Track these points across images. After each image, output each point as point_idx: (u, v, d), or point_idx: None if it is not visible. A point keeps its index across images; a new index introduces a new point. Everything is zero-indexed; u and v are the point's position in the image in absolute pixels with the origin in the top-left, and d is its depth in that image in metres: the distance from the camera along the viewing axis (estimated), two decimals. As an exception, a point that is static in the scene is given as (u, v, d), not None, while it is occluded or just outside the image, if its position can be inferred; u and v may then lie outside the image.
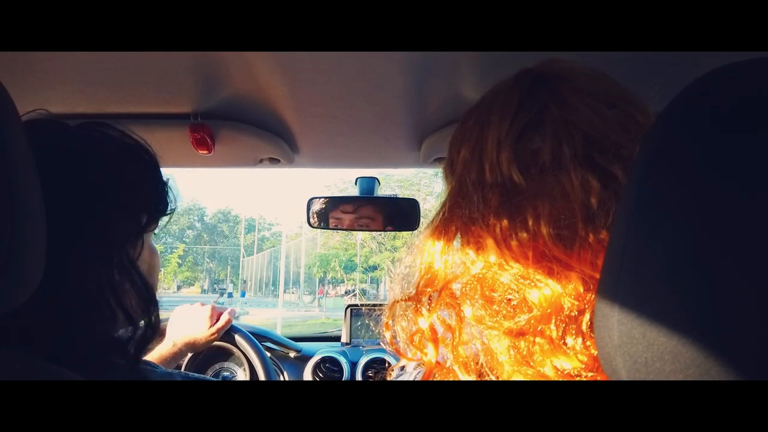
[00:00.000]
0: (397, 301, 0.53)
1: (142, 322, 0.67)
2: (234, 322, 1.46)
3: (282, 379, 1.65)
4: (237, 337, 1.44)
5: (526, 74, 0.53)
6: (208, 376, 1.52)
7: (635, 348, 0.30)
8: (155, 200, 0.71)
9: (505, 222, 0.47)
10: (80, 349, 0.59)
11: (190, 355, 1.44)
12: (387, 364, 1.67)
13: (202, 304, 1.35)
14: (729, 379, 0.27)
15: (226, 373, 1.55)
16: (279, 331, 1.93)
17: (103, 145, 0.68)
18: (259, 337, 1.54)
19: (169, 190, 0.74)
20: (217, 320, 1.35)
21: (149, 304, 0.68)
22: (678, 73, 0.64)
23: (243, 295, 26.92)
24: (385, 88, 0.84)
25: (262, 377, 1.44)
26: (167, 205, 0.73)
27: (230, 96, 0.91)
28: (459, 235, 0.51)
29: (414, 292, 0.52)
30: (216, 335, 1.33)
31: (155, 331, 0.69)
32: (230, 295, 24.19)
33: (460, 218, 0.50)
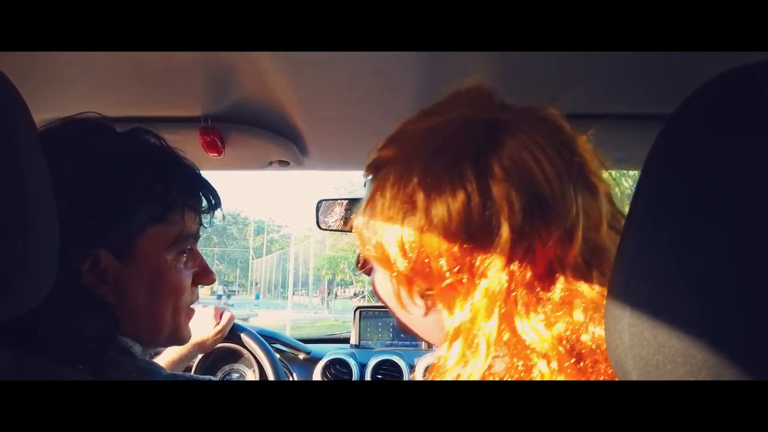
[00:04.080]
0: None
1: None
2: (243, 324, 1.47)
3: (291, 380, 1.65)
4: (246, 339, 1.44)
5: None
6: (218, 377, 1.53)
7: (646, 350, 0.30)
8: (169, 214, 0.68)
9: None
10: (87, 348, 0.59)
11: (200, 356, 1.45)
12: (397, 366, 1.67)
13: (204, 306, 1.36)
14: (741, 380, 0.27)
15: (235, 375, 1.55)
16: (288, 333, 1.94)
17: (142, 153, 0.67)
18: (268, 339, 1.54)
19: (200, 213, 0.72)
20: (221, 319, 1.36)
21: (100, 316, 0.63)
22: (679, 74, 0.64)
23: (257, 297, 26.83)
24: (395, 89, 0.84)
25: (271, 379, 1.45)
26: (166, 203, 0.68)
27: (240, 99, 0.92)
28: None
29: None
30: (221, 334, 1.33)
31: (104, 342, 0.64)
32: (219, 297, 23.55)
33: None
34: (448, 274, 0.47)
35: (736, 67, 0.31)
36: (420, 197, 0.48)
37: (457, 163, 0.47)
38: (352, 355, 1.71)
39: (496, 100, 0.54)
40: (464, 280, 0.47)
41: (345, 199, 1.56)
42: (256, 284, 31.60)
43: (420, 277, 0.50)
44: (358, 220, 0.55)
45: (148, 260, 0.67)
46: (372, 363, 1.67)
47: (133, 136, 0.70)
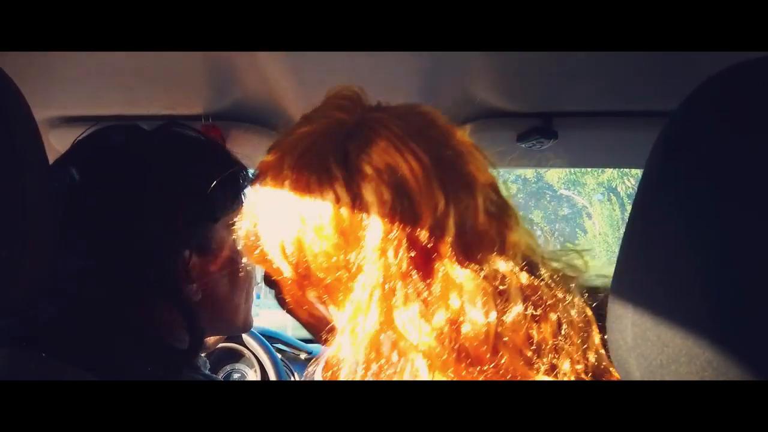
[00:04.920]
0: None
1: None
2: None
3: (293, 380, 1.65)
4: (248, 339, 1.44)
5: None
6: (219, 377, 1.53)
7: (650, 350, 0.30)
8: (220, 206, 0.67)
9: None
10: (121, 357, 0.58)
11: (201, 356, 1.44)
12: None
13: None
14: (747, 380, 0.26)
15: (236, 375, 1.55)
16: (290, 333, 1.94)
17: (177, 148, 0.67)
18: (269, 339, 1.54)
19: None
20: None
21: (191, 322, 0.63)
22: (680, 71, 0.63)
23: (258, 297, 26.85)
24: (395, 89, 0.84)
25: (273, 378, 1.45)
26: (232, 198, 0.68)
27: (241, 97, 0.92)
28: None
29: None
30: None
31: (195, 351, 0.66)
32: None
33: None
34: (324, 274, 0.49)
35: (738, 62, 0.31)
36: (292, 200, 0.49)
37: (324, 164, 0.49)
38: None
39: (366, 102, 0.55)
40: (343, 278, 0.48)
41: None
42: (258, 284, 31.58)
43: (305, 280, 0.52)
44: (242, 230, 0.55)
45: (225, 248, 0.68)
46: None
47: (187, 131, 0.71)
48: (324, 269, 0.49)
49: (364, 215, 0.47)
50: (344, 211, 0.47)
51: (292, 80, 0.81)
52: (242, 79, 0.85)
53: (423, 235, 0.46)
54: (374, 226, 0.46)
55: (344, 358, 0.48)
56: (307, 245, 0.49)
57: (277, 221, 0.51)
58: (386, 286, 0.46)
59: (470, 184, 0.49)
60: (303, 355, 1.75)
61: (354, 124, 0.51)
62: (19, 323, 0.55)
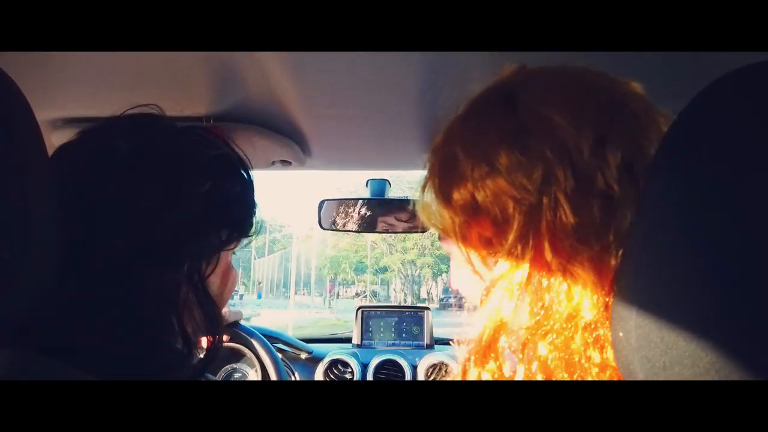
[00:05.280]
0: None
1: (203, 341, 0.65)
2: (245, 324, 1.47)
3: (293, 380, 1.65)
4: (249, 339, 1.44)
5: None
6: (220, 377, 1.53)
7: (653, 351, 0.29)
8: (242, 218, 0.69)
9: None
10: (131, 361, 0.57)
11: (201, 356, 1.45)
12: (399, 366, 1.67)
13: None
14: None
15: (237, 374, 1.55)
16: (290, 333, 1.94)
17: (203, 153, 0.66)
18: (270, 339, 1.54)
19: (256, 210, 0.72)
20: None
21: (214, 323, 0.64)
22: (684, 72, 0.63)
23: (259, 296, 26.99)
24: (396, 89, 0.84)
25: (273, 378, 1.45)
26: (252, 225, 0.70)
27: (242, 98, 0.92)
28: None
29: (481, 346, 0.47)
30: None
31: (216, 354, 0.66)
32: (242, 296, 24.35)
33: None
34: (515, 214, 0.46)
35: (744, 65, 0.31)
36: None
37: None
38: (354, 355, 1.71)
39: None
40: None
41: (347, 199, 1.56)
42: (259, 284, 31.70)
43: (483, 220, 0.50)
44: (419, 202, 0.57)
45: (223, 259, 0.69)
46: (374, 363, 1.67)
47: (207, 138, 0.70)
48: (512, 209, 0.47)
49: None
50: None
51: (293, 81, 0.81)
52: (243, 80, 0.85)
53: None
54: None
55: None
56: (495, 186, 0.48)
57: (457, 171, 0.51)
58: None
59: None
60: (303, 355, 1.76)
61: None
62: (19, 324, 0.55)
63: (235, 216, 0.68)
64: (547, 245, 0.43)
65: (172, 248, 0.60)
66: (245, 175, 0.70)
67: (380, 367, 1.67)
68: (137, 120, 0.66)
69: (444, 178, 0.54)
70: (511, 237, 0.46)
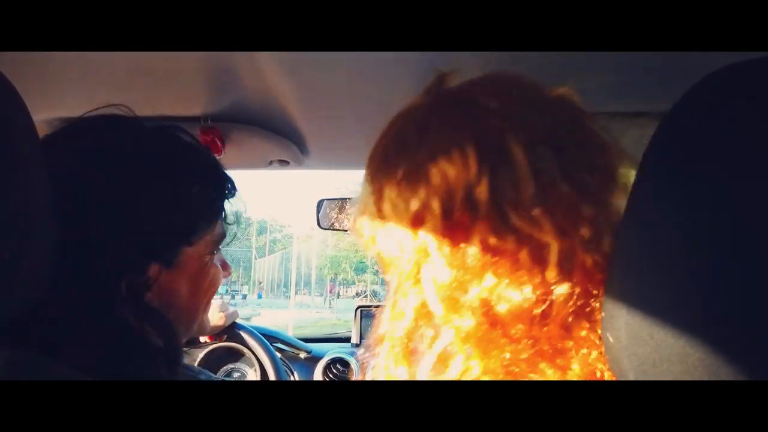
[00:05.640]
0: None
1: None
2: (245, 323, 1.47)
3: (292, 379, 1.65)
4: (248, 338, 1.45)
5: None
6: (219, 376, 1.53)
7: (643, 349, 0.30)
8: (196, 219, 0.66)
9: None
10: (109, 354, 0.57)
11: (201, 355, 1.45)
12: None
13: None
14: (737, 380, 0.27)
15: (236, 374, 1.56)
16: (291, 333, 1.94)
17: (163, 153, 0.65)
18: (269, 338, 1.55)
19: (225, 213, 0.71)
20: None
21: (168, 338, 0.63)
22: (674, 71, 0.63)
23: (260, 296, 27.00)
24: (394, 88, 0.84)
25: (272, 378, 1.45)
26: (212, 226, 0.69)
27: (240, 98, 0.92)
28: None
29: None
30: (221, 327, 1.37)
31: (175, 357, 0.65)
32: (244, 296, 24.38)
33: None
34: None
35: (734, 62, 0.31)
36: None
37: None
38: (353, 354, 1.71)
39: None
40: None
41: (346, 199, 1.56)
42: (259, 283, 31.70)
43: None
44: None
45: (192, 264, 0.67)
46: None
47: (173, 136, 0.69)
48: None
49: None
50: None
51: (290, 81, 0.81)
52: (241, 80, 0.85)
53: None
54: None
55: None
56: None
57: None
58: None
59: None
60: (303, 355, 1.76)
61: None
62: (19, 323, 0.55)
63: (190, 217, 0.65)
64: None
65: (120, 251, 0.59)
66: (210, 173, 0.69)
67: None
68: (100, 121, 0.66)
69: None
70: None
